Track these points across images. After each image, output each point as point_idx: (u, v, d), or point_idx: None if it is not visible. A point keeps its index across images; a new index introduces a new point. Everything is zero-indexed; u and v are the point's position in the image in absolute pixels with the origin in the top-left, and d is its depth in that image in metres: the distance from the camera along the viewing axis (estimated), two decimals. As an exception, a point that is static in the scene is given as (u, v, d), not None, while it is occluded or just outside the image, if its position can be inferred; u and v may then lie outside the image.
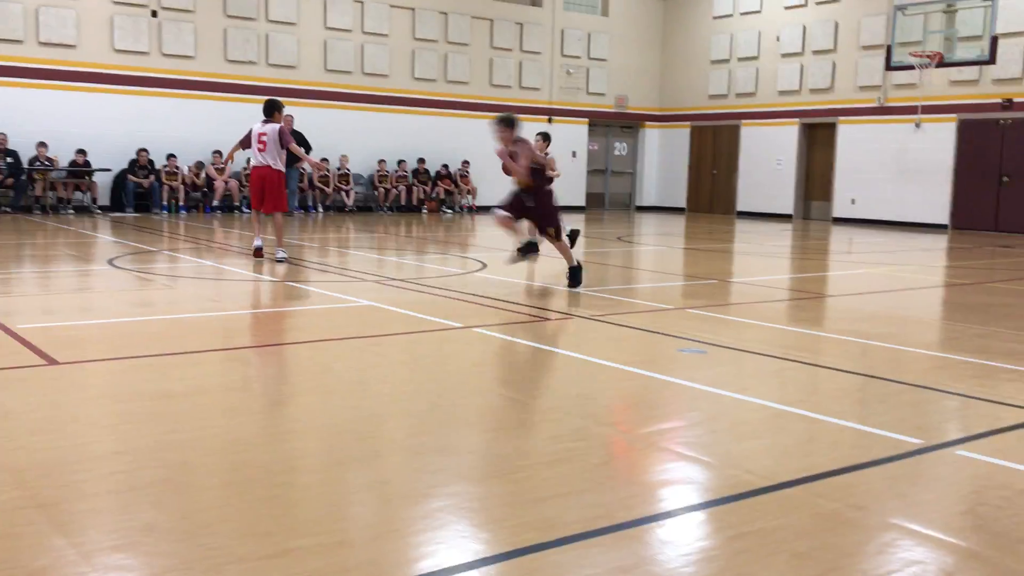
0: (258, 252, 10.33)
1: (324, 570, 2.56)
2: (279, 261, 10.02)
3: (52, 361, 5.06)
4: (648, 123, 25.98)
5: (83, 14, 17.44)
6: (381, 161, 20.93)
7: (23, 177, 16.78)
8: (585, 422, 4.23)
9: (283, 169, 10.32)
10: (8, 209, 16.61)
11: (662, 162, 26.14)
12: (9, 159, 16.59)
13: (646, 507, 3.19)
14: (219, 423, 4.06)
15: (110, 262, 9.92)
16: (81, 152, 17.29)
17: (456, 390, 4.85)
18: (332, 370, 5.25)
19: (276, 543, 2.73)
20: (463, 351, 5.92)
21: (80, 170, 17.35)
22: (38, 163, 16.91)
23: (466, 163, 22.03)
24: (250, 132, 10.29)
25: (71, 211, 17.36)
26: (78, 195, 17.73)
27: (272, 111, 10.21)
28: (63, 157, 17.30)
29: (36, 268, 9.99)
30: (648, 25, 25.54)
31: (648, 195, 26.28)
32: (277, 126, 10.15)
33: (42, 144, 16.91)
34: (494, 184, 22.60)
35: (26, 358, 5.13)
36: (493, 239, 15.54)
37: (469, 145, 22.15)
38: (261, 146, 10.14)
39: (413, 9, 21.43)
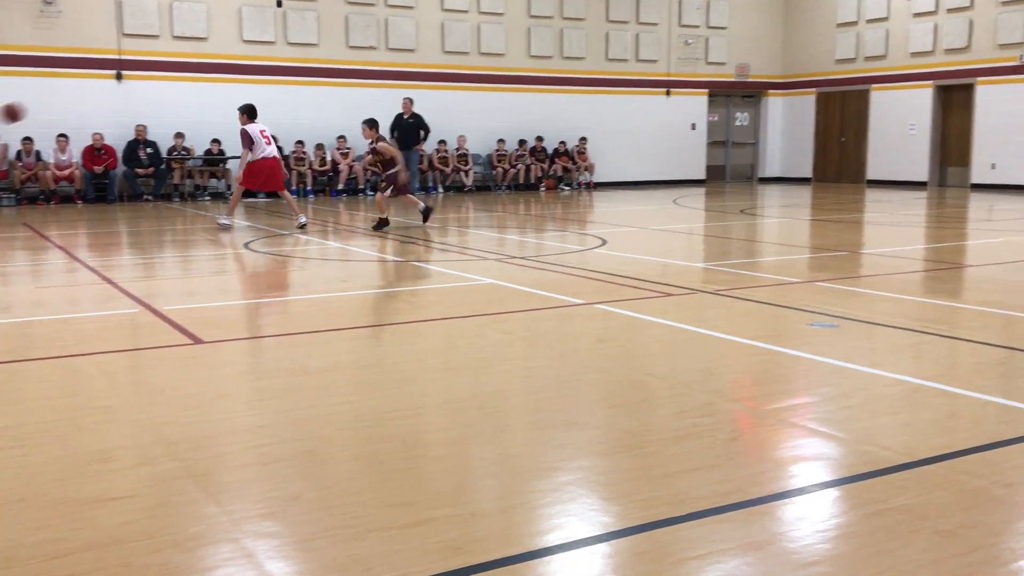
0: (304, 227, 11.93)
1: (460, 540, 2.64)
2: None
3: (197, 340, 5.34)
4: (771, 91, 25.21)
5: (213, 7, 18.15)
6: (499, 140, 21.07)
7: (162, 166, 17.68)
8: (712, 397, 4.19)
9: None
10: (150, 197, 17.55)
11: (786, 131, 25.34)
12: (150, 150, 17.50)
13: (778, 483, 3.14)
14: (353, 398, 4.21)
15: (246, 245, 10.37)
16: (215, 141, 18.07)
17: (580, 366, 4.88)
18: (458, 347, 5.36)
19: (413, 513, 2.83)
20: (586, 327, 5.94)
21: (214, 158, 18.15)
22: (176, 153, 17.78)
23: (583, 140, 21.92)
24: (255, 132, 12.20)
25: (207, 197, 18.19)
26: (213, 182, 18.56)
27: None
28: (199, 146, 18.12)
29: (177, 253, 10.54)
30: (770, -10, 24.73)
31: (771, 166, 25.55)
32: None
33: (179, 135, 17.76)
34: (612, 160, 22.46)
35: (173, 338, 5.44)
36: (612, 215, 15.45)
37: (586, 122, 22.03)
38: (267, 140, 12.19)
39: (528, -14, 21.41)
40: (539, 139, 21.56)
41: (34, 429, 3.73)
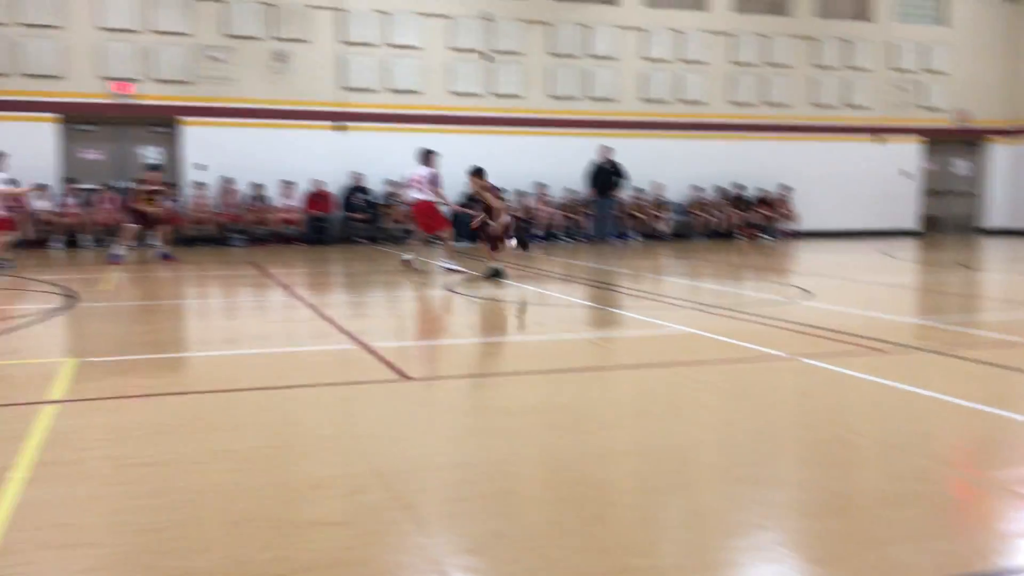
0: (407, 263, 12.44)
1: (660, 591, 2.63)
2: None
3: (405, 377, 5.61)
4: (994, 137, 23.58)
5: (427, 63, 19.18)
6: (697, 188, 20.87)
7: (375, 211, 18.75)
8: (928, 462, 3.95)
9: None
10: (363, 240, 18.62)
11: (1012, 180, 23.57)
12: (365, 195, 18.62)
13: (1007, 558, 2.91)
14: (550, 441, 4.28)
15: (448, 288, 10.79)
16: (423, 188, 18.98)
17: (780, 421, 4.73)
18: (652, 395, 5.34)
19: (612, 561, 2.84)
20: (787, 381, 5.76)
21: (421, 204, 19.05)
22: (388, 199, 18.81)
23: (786, 187, 21.32)
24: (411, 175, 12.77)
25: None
26: (419, 226, 19.46)
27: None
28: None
29: (387, 293, 11.11)
30: (994, 32, 23.23)
31: (995, 216, 23.80)
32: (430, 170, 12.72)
33: (391, 182, 18.80)
34: (817, 208, 21.66)
35: (383, 373, 5.74)
36: (816, 265, 14.89)
37: (789, 169, 21.44)
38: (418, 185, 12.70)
39: (733, 35, 21.23)
40: (739, 187, 21.17)
41: (258, 454, 4.03)
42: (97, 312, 8.65)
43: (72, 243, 16.56)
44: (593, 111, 20.30)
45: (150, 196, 13.88)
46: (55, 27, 16.82)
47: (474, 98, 19.59)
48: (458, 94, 19.46)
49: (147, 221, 13.85)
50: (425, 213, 12.84)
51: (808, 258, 16.34)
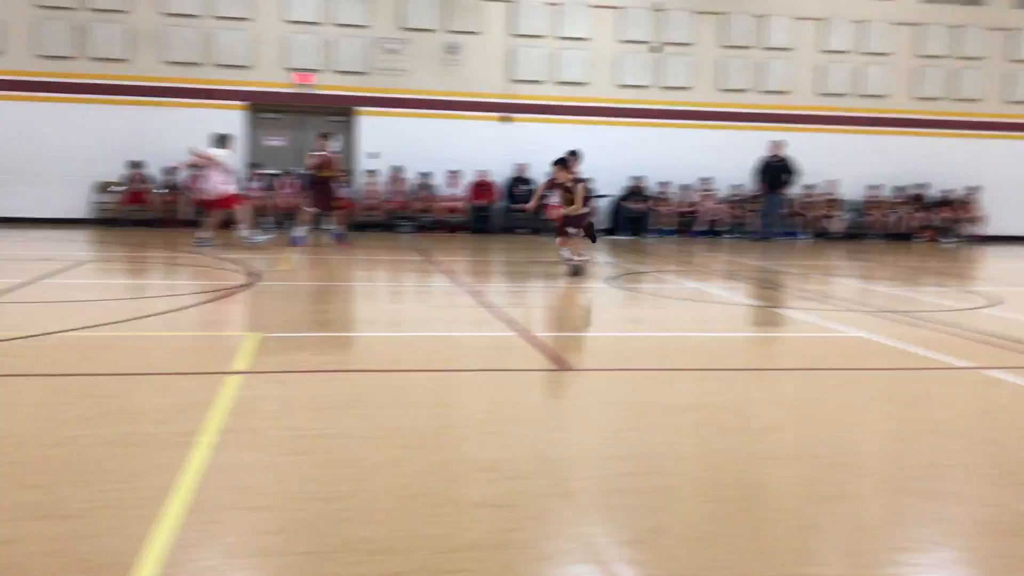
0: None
1: (829, 601, 2.54)
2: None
3: (566, 367, 5.64)
4: None
5: (594, 54, 19.16)
6: (873, 186, 19.92)
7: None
8: None
9: None
10: (525, 230, 18.83)
11: None
12: (527, 186, 18.81)
13: None
14: (712, 440, 4.19)
15: (606, 280, 10.76)
16: (588, 180, 18.98)
17: (964, 435, 4.46)
18: (819, 400, 5.14)
19: (778, 566, 2.77)
20: (971, 393, 5.41)
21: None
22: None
23: (973, 188, 20.02)
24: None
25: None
26: (581, 218, 19.49)
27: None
28: (570, 184, 19.14)
29: (546, 283, 11.18)
30: None
31: None
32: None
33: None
34: (1009, 211, 20.23)
35: (544, 362, 5.80)
36: (1007, 273, 13.92)
37: (977, 168, 20.13)
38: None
39: (920, 25, 20.10)
40: (920, 186, 20.07)
41: (423, 434, 4.16)
42: (276, 290, 9.14)
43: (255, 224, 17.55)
44: (765, 104, 19.74)
45: (323, 170, 13.88)
46: (245, 19, 17.86)
47: (641, 90, 19.42)
48: (625, 87, 19.34)
49: (326, 205, 14.36)
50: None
51: (995, 264, 15.31)
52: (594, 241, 11.95)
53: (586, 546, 2.88)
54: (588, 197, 11.51)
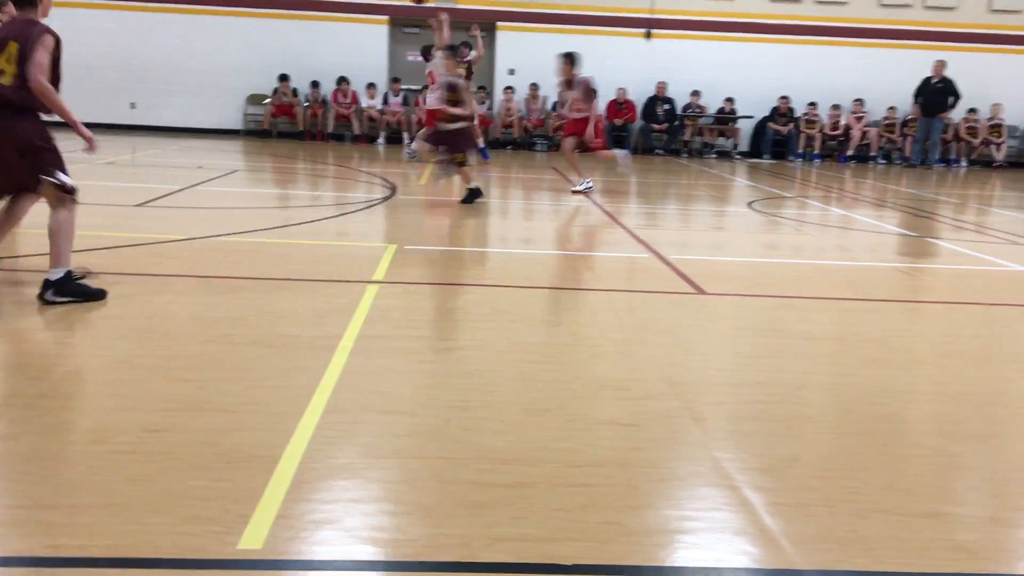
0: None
1: (976, 544, 2.42)
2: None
3: (701, 291, 5.53)
4: None
5: (744, -33, 18.25)
6: (1044, 112, 18.46)
7: (676, 123, 18.42)
8: None
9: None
10: (661, 151, 18.42)
11: None
12: (666, 106, 18.33)
13: None
14: (851, 371, 4.03)
15: (749, 205, 10.43)
16: (729, 100, 18.33)
17: None
18: (972, 335, 4.87)
19: (919, 504, 2.65)
20: None
21: (726, 117, 18.45)
22: (690, 110, 18.39)
23: None
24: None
25: (714, 155, 18.60)
26: (721, 140, 18.90)
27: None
28: (712, 105, 18.53)
29: (681, 206, 10.95)
30: None
31: None
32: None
33: (695, 93, 18.32)
34: None
35: (678, 285, 5.69)
36: None
37: None
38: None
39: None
40: (1099, 112, 18.45)
41: (554, 350, 4.18)
42: (412, 204, 9.29)
43: (394, 139, 17.84)
44: (927, 21, 18.42)
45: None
46: (389, -67, 17.83)
47: (794, 4, 18.43)
48: (777, 0, 18.39)
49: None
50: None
51: None
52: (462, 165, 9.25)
53: (715, 469, 2.84)
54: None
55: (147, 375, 3.51)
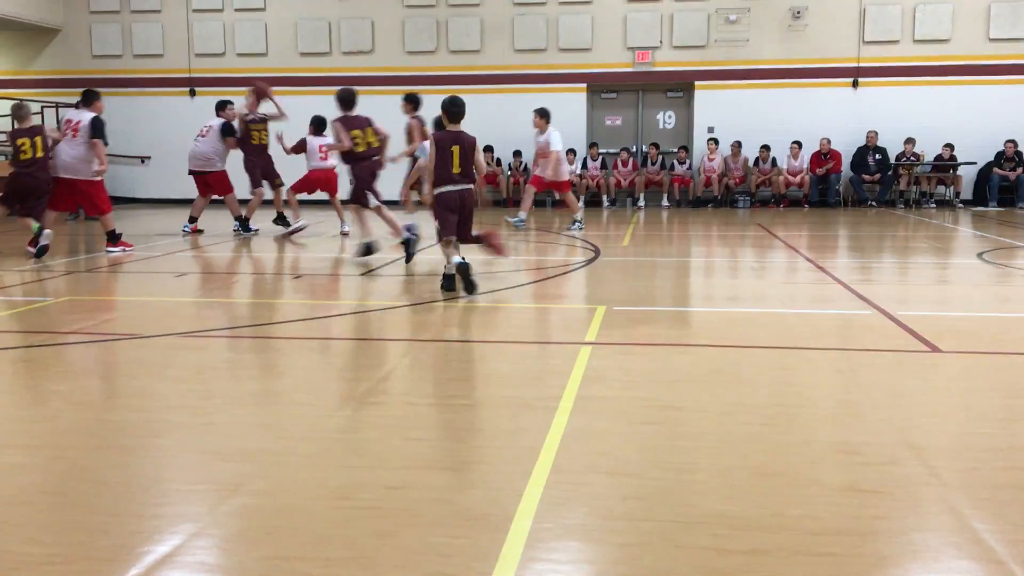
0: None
1: None
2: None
3: (934, 348, 5.18)
4: None
5: (958, 6, 17.33)
6: None
7: (889, 172, 17.56)
8: None
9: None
10: (873, 203, 17.57)
11: None
12: (878, 156, 17.53)
13: None
14: (1126, 438, 3.63)
15: (978, 256, 9.73)
16: (948, 146, 17.30)
17: None
18: None
19: None
20: None
21: (945, 164, 17.39)
22: (904, 159, 17.49)
23: None
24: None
25: (932, 205, 17.54)
26: (940, 189, 17.82)
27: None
28: (929, 152, 17.54)
29: (901, 259, 10.36)
30: None
31: None
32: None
33: (909, 140, 17.42)
34: None
35: (908, 343, 5.36)
36: None
37: None
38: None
39: None
40: None
41: (777, 411, 4.02)
42: (615, 265, 9.33)
43: (594, 202, 18.06)
44: None
45: None
46: (586, 3, 18.29)
47: (1014, 43, 17.27)
48: (997, 40, 17.30)
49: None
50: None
51: None
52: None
53: (974, 541, 2.62)
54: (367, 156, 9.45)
55: (385, 434, 3.69)
